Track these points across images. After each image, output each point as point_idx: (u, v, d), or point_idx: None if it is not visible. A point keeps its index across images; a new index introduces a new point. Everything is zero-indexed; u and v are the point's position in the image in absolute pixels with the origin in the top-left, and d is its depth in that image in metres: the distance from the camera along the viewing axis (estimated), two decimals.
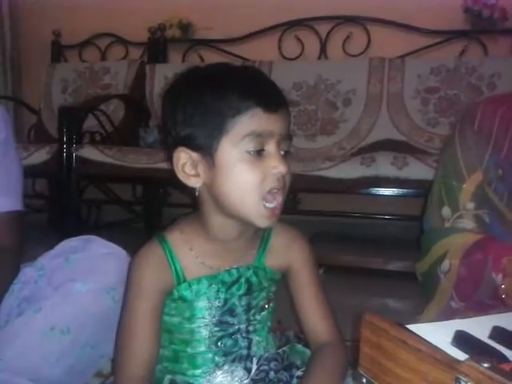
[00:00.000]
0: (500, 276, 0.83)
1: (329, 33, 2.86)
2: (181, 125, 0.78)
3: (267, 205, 0.76)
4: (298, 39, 2.91)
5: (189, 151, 0.78)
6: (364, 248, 2.36)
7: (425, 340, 0.44)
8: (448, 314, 0.87)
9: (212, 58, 3.04)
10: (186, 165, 0.78)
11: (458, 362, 0.38)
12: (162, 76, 2.95)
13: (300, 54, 2.90)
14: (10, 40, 3.42)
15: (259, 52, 2.93)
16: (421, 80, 2.55)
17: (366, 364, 0.48)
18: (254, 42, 3.00)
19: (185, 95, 0.78)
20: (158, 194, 2.98)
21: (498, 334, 0.48)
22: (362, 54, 2.79)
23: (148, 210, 3.01)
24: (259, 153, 0.75)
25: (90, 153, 2.27)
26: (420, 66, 2.58)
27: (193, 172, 0.78)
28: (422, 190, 1.83)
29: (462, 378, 0.37)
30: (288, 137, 0.79)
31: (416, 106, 2.52)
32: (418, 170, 1.84)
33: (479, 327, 0.49)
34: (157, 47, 3.12)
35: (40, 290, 1.00)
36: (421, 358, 0.41)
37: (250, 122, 0.74)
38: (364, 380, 0.48)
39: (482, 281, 0.86)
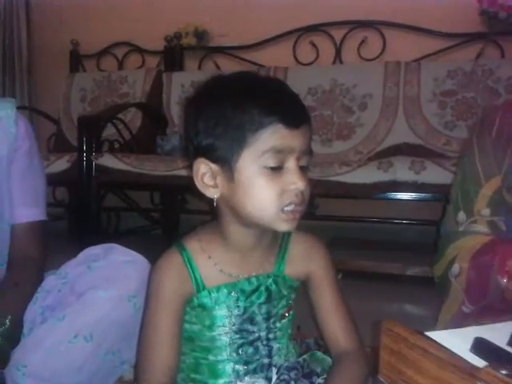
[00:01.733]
0: (505, 279, 0.83)
1: (344, 37, 2.86)
2: (202, 134, 0.78)
3: (286, 212, 0.76)
4: (313, 44, 2.92)
5: (208, 162, 0.78)
6: (382, 253, 2.35)
7: (444, 347, 0.45)
8: (461, 320, 0.87)
9: (227, 65, 3.06)
10: (206, 175, 0.79)
11: (477, 369, 0.38)
12: (178, 84, 2.99)
13: (315, 60, 2.91)
14: (28, 50, 3.49)
15: (274, 58, 2.94)
16: (437, 83, 2.53)
17: (386, 371, 0.48)
18: (268, 48, 3.02)
19: (208, 105, 0.79)
20: (176, 200, 3.01)
21: None
22: (377, 58, 2.79)
23: (166, 217, 3.04)
24: (278, 168, 0.75)
25: (109, 161, 2.30)
26: (436, 70, 2.57)
27: (211, 183, 0.79)
28: (439, 194, 1.82)
29: None
30: (308, 151, 0.79)
31: (433, 109, 2.51)
32: (435, 174, 1.83)
33: (498, 334, 0.50)
34: (173, 55, 3.16)
35: (63, 298, 1.02)
36: (440, 365, 0.42)
37: (271, 138, 0.74)
38: None
39: (489, 284, 0.85)
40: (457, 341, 0.48)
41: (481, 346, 0.47)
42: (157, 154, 2.59)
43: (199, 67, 3.15)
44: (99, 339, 0.95)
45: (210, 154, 0.78)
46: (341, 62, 2.87)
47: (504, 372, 0.37)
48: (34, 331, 0.97)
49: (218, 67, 3.09)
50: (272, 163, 0.75)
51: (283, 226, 0.78)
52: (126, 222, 3.00)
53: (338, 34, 2.87)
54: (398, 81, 2.59)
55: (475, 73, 2.49)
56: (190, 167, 0.82)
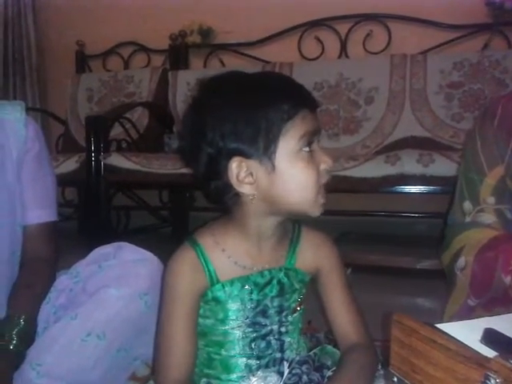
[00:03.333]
0: (509, 278, 0.83)
1: (349, 31, 2.85)
2: (230, 137, 0.78)
3: (321, 199, 0.81)
4: (318, 39, 2.91)
5: (244, 160, 0.79)
6: (391, 247, 2.35)
7: (454, 338, 0.45)
8: (466, 312, 0.87)
9: (233, 62, 3.06)
10: (241, 173, 0.79)
11: (486, 359, 0.39)
12: (184, 82, 2.99)
13: (320, 54, 2.91)
14: (35, 52, 3.51)
15: (279, 54, 2.94)
16: (444, 75, 2.52)
17: (397, 363, 0.49)
18: (273, 44, 3.02)
19: (229, 108, 0.79)
20: (184, 198, 3.02)
21: None
22: (383, 51, 2.78)
23: (175, 215, 3.05)
24: (310, 149, 0.80)
25: (117, 160, 2.32)
26: (442, 62, 2.56)
27: (247, 180, 0.80)
28: (448, 186, 1.81)
29: (492, 375, 0.38)
30: (321, 132, 0.85)
31: (440, 101, 2.50)
32: (444, 166, 1.82)
33: (508, 324, 0.50)
34: (178, 54, 3.17)
35: (75, 298, 1.03)
36: (450, 356, 0.42)
37: (302, 124, 0.79)
38: (395, 379, 0.49)
39: (493, 280, 0.85)
40: (467, 332, 0.48)
41: (491, 337, 0.47)
42: (164, 153, 2.60)
43: (204, 65, 3.15)
44: (111, 337, 0.96)
45: (242, 152, 0.79)
46: (346, 56, 2.86)
47: None
48: (48, 330, 0.99)
49: (223, 64, 3.09)
50: (306, 145, 0.79)
51: (317, 211, 0.81)
52: (136, 220, 3.02)
53: (342, 28, 2.87)
54: (405, 74, 2.58)
55: (482, 64, 2.48)
56: (208, 168, 0.81)
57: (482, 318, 0.51)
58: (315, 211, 0.82)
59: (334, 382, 0.82)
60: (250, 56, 3.04)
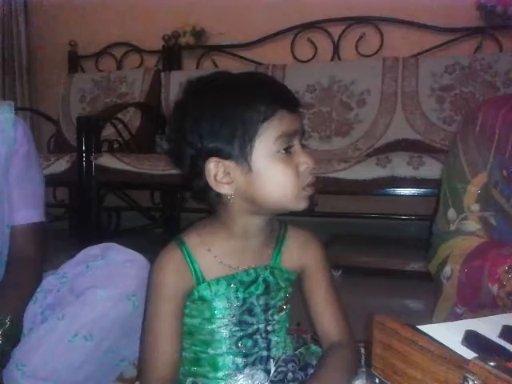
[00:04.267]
0: (496, 286, 0.83)
1: (341, 34, 2.86)
2: (208, 137, 0.79)
3: (305, 193, 0.81)
4: (311, 41, 2.92)
5: (221, 160, 0.80)
6: (382, 249, 2.36)
7: (435, 340, 0.45)
8: (455, 319, 0.87)
9: (226, 63, 3.07)
10: (218, 174, 0.80)
11: (465, 361, 0.39)
12: (177, 83, 2.99)
13: (313, 57, 2.92)
14: (27, 52, 3.50)
15: (272, 55, 2.95)
16: (435, 78, 2.54)
17: (379, 365, 0.49)
18: (266, 46, 3.03)
19: (207, 108, 0.80)
20: (176, 199, 3.02)
21: (508, 332, 0.49)
22: (375, 54, 2.79)
23: (166, 216, 3.04)
24: (288, 150, 0.80)
25: (108, 161, 2.31)
26: (434, 65, 2.57)
27: (225, 180, 0.80)
28: (439, 189, 1.82)
29: (470, 377, 0.38)
30: (304, 132, 0.85)
31: (431, 104, 2.51)
32: (434, 169, 1.83)
33: (489, 326, 0.50)
34: (171, 55, 3.17)
35: (63, 298, 1.02)
36: (430, 357, 0.42)
37: (279, 124, 0.79)
38: (377, 380, 0.49)
39: (480, 289, 0.86)
40: (448, 334, 0.49)
41: (472, 339, 0.47)
42: (156, 153, 2.59)
43: (197, 66, 3.15)
44: (99, 338, 0.96)
45: (219, 153, 0.80)
46: (339, 59, 2.87)
47: (492, 364, 0.38)
48: (34, 331, 0.98)
49: (216, 66, 3.09)
50: (284, 146, 0.79)
51: (302, 204, 0.82)
52: (127, 221, 3.01)
53: (335, 30, 2.88)
54: (397, 76, 2.60)
55: (473, 67, 2.49)
56: (190, 169, 0.83)
57: (464, 320, 0.52)
58: (298, 205, 0.82)
59: (314, 379, 0.83)
60: (243, 57, 3.05)
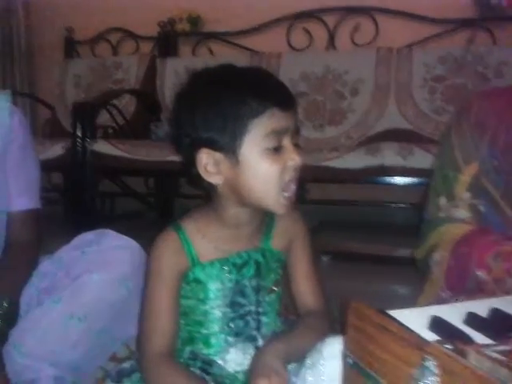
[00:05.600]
0: (483, 272, 0.87)
1: (337, 24, 2.88)
2: (201, 128, 0.83)
3: (285, 194, 0.84)
4: (307, 30, 2.93)
5: (211, 152, 0.83)
6: (371, 235, 2.40)
7: (402, 325, 0.49)
8: (438, 304, 0.91)
9: (221, 50, 3.08)
10: (209, 164, 0.84)
11: (425, 343, 0.43)
12: (172, 70, 3.01)
13: (308, 46, 2.93)
14: (25, 38, 3.50)
15: (268, 44, 2.96)
16: (428, 69, 2.56)
17: (352, 346, 0.53)
18: (262, 34, 3.04)
19: (202, 100, 0.83)
20: (170, 185, 3.05)
21: (472, 319, 0.53)
22: (369, 44, 2.81)
23: (160, 201, 3.08)
24: (277, 149, 0.82)
25: (103, 147, 2.34)
26: (427, 55, 2.60)
27: (215, 170, 0.84)
28: (427, 178, 1.86)
29: (428, 358, 0.42)
30: (298, 130, 0.86)
31: (423, 94, 2.55)
32: (423, 159, 1.87)
33: (456, 313, 0.54)
34: (167, 41, 3.18)
35: (58, 282, 1.06)
36: (396, 340, 0.46)
37: (269, 122, 0.81)
38: (350, 361, 0.53)
39: (468, 275, 0.90)
40: (417, 319, 0.53)
41: (437, 324, 0.51)
42: (151, 140, 2.62)
43: (193, 53, 3.16)
44: (92, 319, 1.00)
45: (211, 144, 0.83)
46: (334, 48, 2.89)
47: (448, 347, 0.42)
48: (31, 313, 1.02)
49: (211, 53, 3.11)
50: (272, 144, 0.81)
51: (281, 210, 0.85)
52: (122, 206, 3.04)
53: (331, 20, 2.89)
54: (390, 67, 2.62)
55: (465, 59, 2.52)
56: (186, 157, 0.87)
57: (432, 306, 0.56)
58: (279, 209, 0.85)
59: (282, 337, 0.88)
60: (239, 45, 3.06)
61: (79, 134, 2.34)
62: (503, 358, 0.39)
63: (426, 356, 0.42)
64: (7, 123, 1.15)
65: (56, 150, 2.47)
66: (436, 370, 0.42)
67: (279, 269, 0.96)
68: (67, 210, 3.02)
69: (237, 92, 0.82)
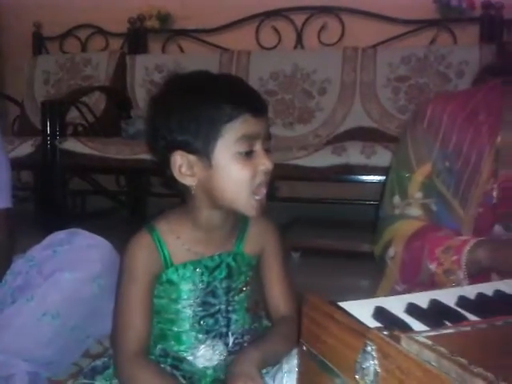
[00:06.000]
0: (434, 265, 0.94)
1: (304, 23, 2.93)
2: (176, 131, 0.86)
3: (256, 197, 0.88)
4: (275, 29, 2.98)
5: (185, 154, 0.87)
6: (338, 232, 2.47)
7: (349, 314, 0.55)
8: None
9: (191, 47, 3.11)
10: (183, 166, 0.88)
11: (366, 330, 0.49)
12: (142, 67, 3.02)
13: (277, 44, 2.98)
14: None
15: (237, 42, 3.00)
16: (392, 69, 2.65)
17: (306, 335, 0.59)
18: (231, 32, 3.07)
19: (178, 105, 0.87)
20: (142, 183, 3.07)
21: (412, 309, 0.59)
22: (336, 43, 2.88)
23: (132, 199, 3.09)
24: (249, 153, 0.86)
25: (73, 145, 2.35)
26: (391, 55, 2.68)
27: (188, 172, 0.88)
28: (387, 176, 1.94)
29: (369, 343, 0.48)
30: (269, 136, 0.91)
31: (387, 94, 2.63)
32: (385, 158, 1.94)
33: (398, 303, 0.60)
34: (137, 38, 3.18)
35: (31, 280, 1.09)
36: (342, 328, 0.52)
37: (241, 127, 0.84)
38: (304, 348, 0.59)
39: (420, 267, 0.96)
40: (363, 309, 0.58)
41: (380, 314, 0.57)
42: (121, 137, 2.63)
43: (163, 50, 3.18)
44: (65, 316, 1.04)
45: (186, 147, 0.87)
46: (302, 47, 2.95)
47: (385, 333, 0.47)
48: (5, 311, 1.06)
49: (181, 50, 3.13)
50: (244, 148, 0.85)
51: (252, 212, 0.89)
52: (93, 204, 3.05)
53: (298, 19, 2.94)
54: (356, 66, 2.69)
55: (428, 59, 2.61)
56: (160, 158, 0.90)
57: (378, 298, 0.62)
58: (250, 211, 0.89)
59: (257, 345, 0.92)
60: (209, 43, 3.09)
61: (48, 132, 2.35)
62: (429, 341, 0.45)
63: (367, 341, 0.48)
64: None
65: (25, 148, 2.47)
66: (375, 354, 0.47)
67: (249, 271, 1.00)
68: (37, 208, 3.01)
69: (211, 97, 0.86)
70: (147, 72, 3.01)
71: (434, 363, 0.42)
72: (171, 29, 3.17)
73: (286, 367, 0.81)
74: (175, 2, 3.12)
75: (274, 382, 0.84)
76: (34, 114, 3.10)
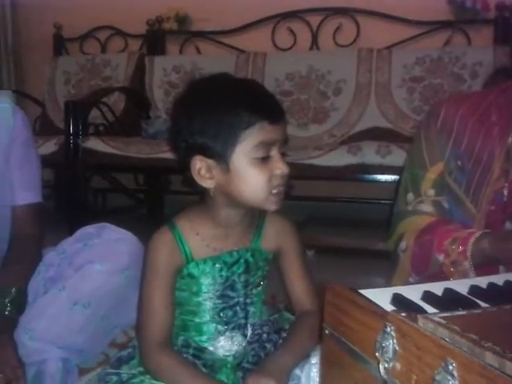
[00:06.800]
0: (442, 256, 0.98)
1: (320, 24, 2.98)
2: (197, 135, 0.91)
3: (274, 191, 0.91)
4: (291, 30, 3.03)
5: (204, 158, 0.91)
6: (352, 230, 2.51)
7: (369, 300, 0.59)
8: None
9: (208, 49, 3.17)
10: (202, 169, 0.92)
11: (386, 313, 0.53)
12: (160, 68, 3.08)
13: (292, 45, 3.03)
14: (12, 34, 3.55)
15: (254, 43, 3.05)
16: (407, 70, 2.68)
17: (329, 319, 0.63)
18: (248, 34, 3.13)
19: (200, 109, 0.92)
20: (160, 181, 3.13)
21: (427, 296, 0.63)
22: (351, 44, 2.92)
23: (150, 197, 3.16)
24: (266, 158, 0.90)
25: (95, 144, 2.41)
26: (406, 56, 2.71)
27: (208, 175, 0.92)
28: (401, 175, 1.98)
29: (388, 324, 0.52)
30: (286, 140, 0.94)
31: (402, 94, 2.66)
32: (400, 157, 1.97)
33: (415, 292, 0.65)
34: (155, 39, 3.25)
35: (63, 271, 1.15)
36: (363, 312, 0.57)
37: (258, 134, 0.88)
38: (327, 331, 0.64)
39: (430, 259, 1.01)
40: (382, 296, 0.63)
41: (398, 300, 0.62)
42: (141, 137, 2.70)
43: (180, 51, 3.24)
44: (96, 306, 1.10)
45: (205, 151, 0.91)
46: (317, 48, 2.99)
47: (403, 314, 0.52)
48: (38, 300, 1.11)
49: (199, 51, 3.19)
50: (261, 154, 0.88)
51: (272, 207, 0.93)
52: (112, 202, 3.12)
53: (314, 20, 2.99)
54: (371, 67, 2.73)
55: (442, 60, 2.64)
56: (181, 161, 0.94)
57: (394, 287, 0.66)
58: (269, 206, 0.93)
59: (287, 341, 0.97)
60: (225, 44, 3.14)
61: (71, 131, 2.41)
62: (443, 321, 0.49)
63: (386, 323, 0.52)
64: (11, 122, 1.23)
65: (49, 146, 2.54)
66: (394, 334, 0.52)
67: (266, 266, 1.05)
68: (58, 205, 3.08)
69: (231, 103, 0.89)
70: (165, 73, 3.08)
71: (447, 339, 0.47)
72: (189, 30, 3.24)
73: (313, 359, 0.85)
74: (193, 4, 3.18)
75: (301, 372, 0.88)
76: (56, 113, 3.18)
